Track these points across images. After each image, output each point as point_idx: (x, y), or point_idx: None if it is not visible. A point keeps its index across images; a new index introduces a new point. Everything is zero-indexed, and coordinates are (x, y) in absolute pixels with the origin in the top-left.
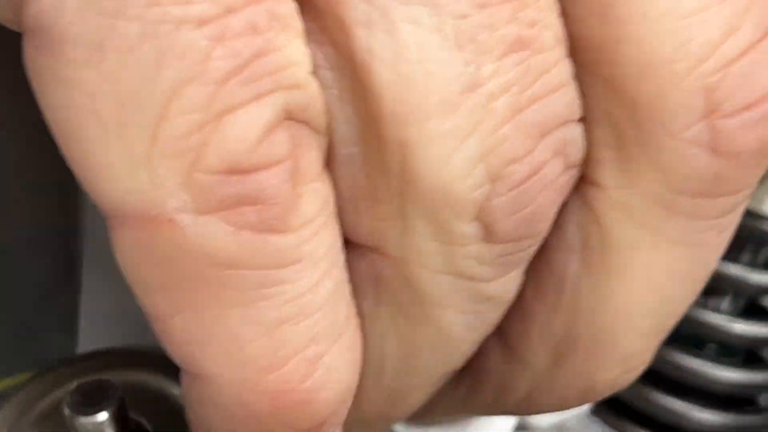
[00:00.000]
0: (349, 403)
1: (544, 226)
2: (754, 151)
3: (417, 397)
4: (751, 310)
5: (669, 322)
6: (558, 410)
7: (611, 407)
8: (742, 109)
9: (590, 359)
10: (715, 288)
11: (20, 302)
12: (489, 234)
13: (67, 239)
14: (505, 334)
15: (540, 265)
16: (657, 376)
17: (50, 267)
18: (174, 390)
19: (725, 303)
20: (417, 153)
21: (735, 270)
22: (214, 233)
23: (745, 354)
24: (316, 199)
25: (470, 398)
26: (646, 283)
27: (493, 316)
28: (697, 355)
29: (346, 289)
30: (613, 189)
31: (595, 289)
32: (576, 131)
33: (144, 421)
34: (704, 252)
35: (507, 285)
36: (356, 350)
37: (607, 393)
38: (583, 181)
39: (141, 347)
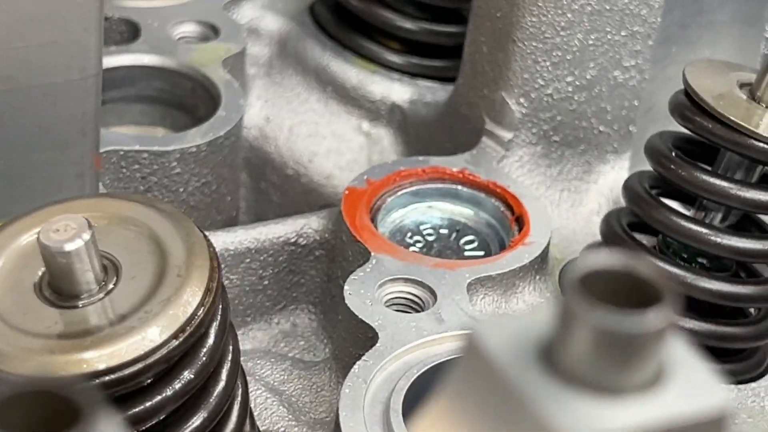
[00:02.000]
0: None
1: None
2: None
3: None
4: (743, 227)
5: None
6: None
7: None
8: None
9: None
10: (709, 203)
11: None
12: None
13: None
14: None
15: None
16: None
17: None
18: None
19: (717, 218)
20: None
21: (728, 186)
22: None
23: (739, 268)
24: None
25: None
26: None
27: None
28: (680, 266)
29: None
30: None
31: None
32: None
33: None
34: None
35: None
36: None
37: None
38: None
39: None
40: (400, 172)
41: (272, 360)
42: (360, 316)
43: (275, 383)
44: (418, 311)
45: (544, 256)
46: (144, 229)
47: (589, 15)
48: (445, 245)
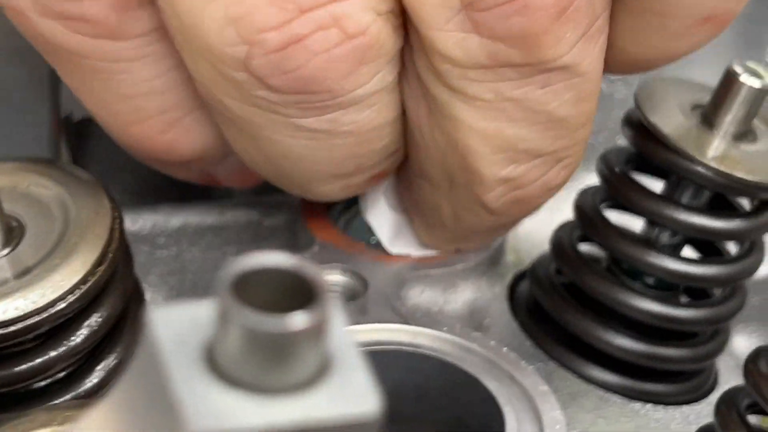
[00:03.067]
0: (210, 157)
1: (334, 84)
2: (520, 36)
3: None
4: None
5: (523, 152)
6: (477, 231)
7: (533, 317)
8: (493, 6)
9: (470, 184)
10: (657, 226)
11: None
12: (266, 85)
13: None
14: (419, 169)
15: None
16: (582, 297)
17: None
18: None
19: (666, 236)
20: (179, 11)
21: (674, 210)
22: (53, 31)
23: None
24: (141, 23)
25: (428, 227)
26: (482, 127)
27: (339, 142)
28: (622, 286)
29: (191, 85)
30: (417, 61)
31: (442, 131)
32: (351, 6)
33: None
34: (530, 103)
35: (327, 123)
36: (207, 124)
37: (499, 208)
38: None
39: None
40: None
41: None
42: None
43: None
44: (349, 301)
45: (494, 259)
46: (55, 194)
47: None
48: None
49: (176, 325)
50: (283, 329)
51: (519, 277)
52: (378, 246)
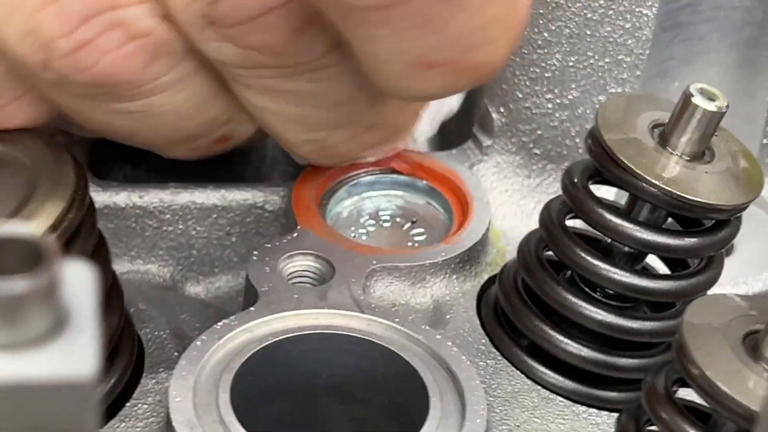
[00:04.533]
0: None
1: (132, 77)
2: (264, 46)
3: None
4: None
5: (316, 124)
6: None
7: (495, 316)
8: (235, 23)
9: (281, 141)
10: (614, 244)
11: None
12: (72, 81)
13: None
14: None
15: None
16: (543, 303)
17: None
18: None
19: (621, 256)
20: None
21: (625, 226)
22: None
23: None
24: None
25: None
26: (268, 106)
27: (160, 120)
28: (574, 294)
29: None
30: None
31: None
32: (134, 12)
33: None
34: (305, 92)
35: (143, 106)
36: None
37: (318, 159)
38: None
39: None
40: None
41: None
42: (251, 280)
43: (186, 329)
44: (313, 286)
45: (465, 258)
46: (20, 161)
47: (567, 37)
48: (394, 232)
49: None
50: (4, 291)
51: (493, 278)
52: (361, 238)
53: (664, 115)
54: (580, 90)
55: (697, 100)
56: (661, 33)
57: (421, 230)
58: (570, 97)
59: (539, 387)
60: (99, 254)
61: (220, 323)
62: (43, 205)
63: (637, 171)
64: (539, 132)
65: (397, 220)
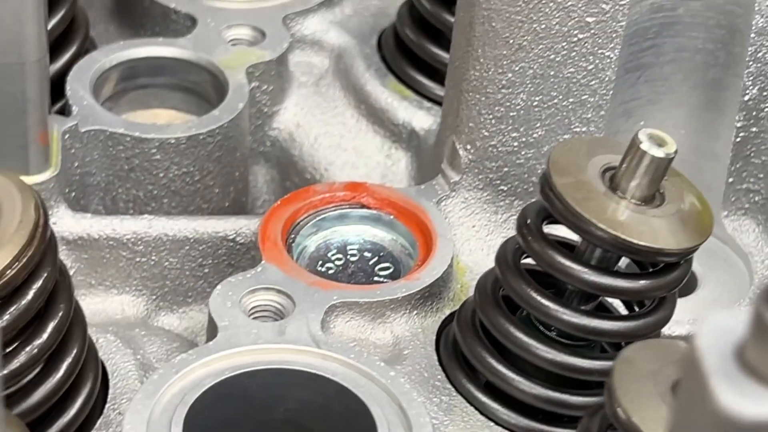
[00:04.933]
0: None
1: None
2: None
3: None
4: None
5: None
6: None
7: (453, 352)
8: None
9: None
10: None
11: None
12: None
13: None
14: None
15: None
16: (496, 344)
17: None
18: None
19: (575, 295)
20: None
21: (578, 270)
22: None
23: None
24: None
25: None
26: None
27: None
28: (528, 333)
29: None
30: None
31: None
32: None
33: None
34: None
35: None
36: None
37: None
38: None
39: None
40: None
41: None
42: (212, 314)
43: (153, 360)
44: (273, 321)
45: (426, 294)
46: None
47: (531, 78)
48: (361, 267)
49: None
50: None
51: (454, 314)
52: (325, 275)
53: (617, 158)
54: (546, 129)
55: (645, 146)
56: (625, 74)
57: (388, 265)
58: (535, 135)
59: (492, 423)
60: (61, 286)
61: (177, 357)
62: (7, 239)
63: (584, 215)
64: (506, 169)
65: (365, 254)
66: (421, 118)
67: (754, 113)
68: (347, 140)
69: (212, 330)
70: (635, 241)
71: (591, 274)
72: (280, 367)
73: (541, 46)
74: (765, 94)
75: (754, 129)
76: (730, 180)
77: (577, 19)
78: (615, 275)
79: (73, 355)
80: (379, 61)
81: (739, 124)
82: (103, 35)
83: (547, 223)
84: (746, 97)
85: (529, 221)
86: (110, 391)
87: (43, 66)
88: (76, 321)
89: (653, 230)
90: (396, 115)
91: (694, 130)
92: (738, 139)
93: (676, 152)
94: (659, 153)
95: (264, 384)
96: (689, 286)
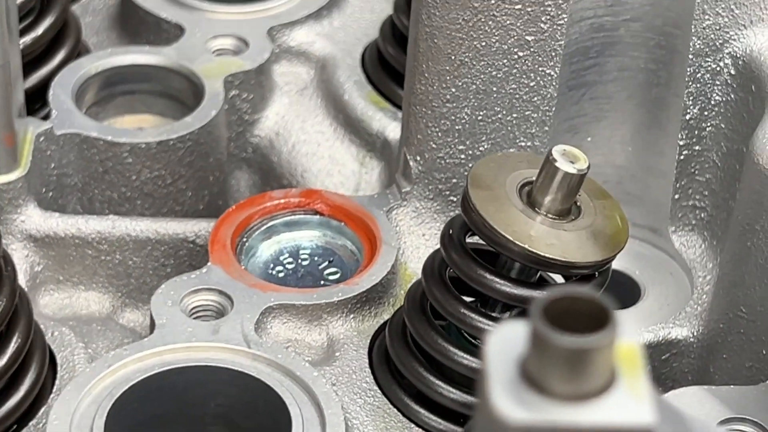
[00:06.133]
0: None
1: None
2: None
3: None
4: None
5: None
6: None
7: (384, 356)
8: None
9: None
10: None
11: None
12: None
13: None
14: None
15: None
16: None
17: None
18: None
19: (497, 309)
20: None
21: (495, 281)
22: None
23: None
24: None
25: None
26: None
27: None
28: (451, 342)
29: None
30: None
31: None
32: None
33: None
34: None
35: None
36: None
37: None
38: None
39: None
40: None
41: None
42: (153, 314)
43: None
44: (208, 321)
45: (363, 299)
46: None
47: (475, 93)
48: (310, 272)
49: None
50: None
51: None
52: (275, 278)
53: (532, 173)
54: (491, 143)
55: (558, 162)
56: (568, 91)
57: (336, 269)
58: (482, 148)
59: (413, 425)
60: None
61: (111, 352)
62: None
63: (495, 227)
64: (454, 180)
65: (315, 259)
66: (395, 129)
67: (696, 132)
68: (324, 148)
69: (152, 327)
70: (543, 254)
71: (506, 285)
72: (209, 365)
73: (482, 63)
74: (705, 113)
75: (697, 147)
76: (677, 196)
77: (516, 37)
78: (529, 286)
79: (16, 344)
80: (361, 73)
81: (681, 143)
82: (105, 42)
83: (470, 235)
84: (687, 116)
85: (451, 232)
86: (57, 381)
87: (6, 71)
88: (20, 311)
89: (562, 243)
90: (371, 125)
91: (640, 147)
92: (681, 157)
93: (588, 168)
94: (571, 169)
95: (194, 381)
96: (633, 296)
